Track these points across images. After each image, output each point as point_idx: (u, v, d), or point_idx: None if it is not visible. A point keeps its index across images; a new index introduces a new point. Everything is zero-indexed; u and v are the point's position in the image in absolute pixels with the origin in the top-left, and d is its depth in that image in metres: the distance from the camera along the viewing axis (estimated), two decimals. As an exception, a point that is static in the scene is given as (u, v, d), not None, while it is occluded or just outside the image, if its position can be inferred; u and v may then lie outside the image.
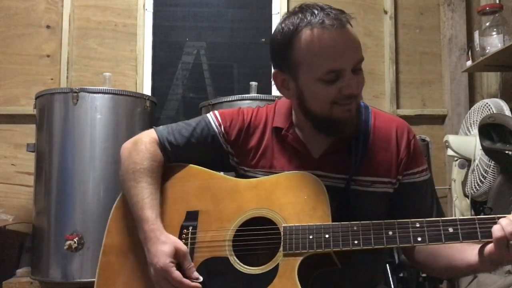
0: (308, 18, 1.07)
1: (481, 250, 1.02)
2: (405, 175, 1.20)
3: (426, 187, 1.24)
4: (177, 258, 1.09)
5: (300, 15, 1.09)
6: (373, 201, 1.18)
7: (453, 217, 1.04)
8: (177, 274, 1.07)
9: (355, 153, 1.17)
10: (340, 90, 1.08)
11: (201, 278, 1.09)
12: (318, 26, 1.05)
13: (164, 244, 1.09)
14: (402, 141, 1.21)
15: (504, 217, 0.97)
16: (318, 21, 1.06)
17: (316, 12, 1.07)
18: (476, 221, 0.99)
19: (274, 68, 1.19)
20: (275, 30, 1.15)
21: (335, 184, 1.17)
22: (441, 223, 1.00)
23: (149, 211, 1.14)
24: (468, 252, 1.06)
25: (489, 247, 0.98)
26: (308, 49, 1.07)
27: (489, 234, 0.96)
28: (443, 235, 0.99)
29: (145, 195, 1.16)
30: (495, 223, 0.97)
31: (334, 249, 1.03)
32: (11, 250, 2.55)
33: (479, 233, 0.98)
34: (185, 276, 1.09)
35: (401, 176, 1.20)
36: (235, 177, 1.27)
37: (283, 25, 1.11)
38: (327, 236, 1.04)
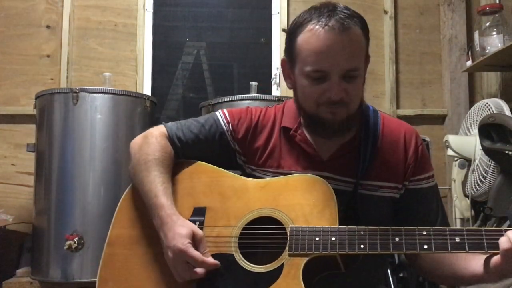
0: (316, 15, 1.09)
1: (487, 261, 1.01)
2: (412, 181, 1.21)
3: (432, 193, 1.23)
4: (194, 241, 1.09)
5: (312, 11, 1.11)
6: (379, 205, 1.18)
7: (460, 227, 1.04)
8: (196, 253, 1.06)
9: (363, 157, 1.17)
10: (324, 92, 1.10)
11: (218, 263, 1.09)
12: (320, 24, 1.07)
13: (182, 227, 1.09)
14: (410, 146, 1.21)
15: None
16: (322, 19, 1.07)
17: (325, 10, 1.08)
18: (483, 232, 0.98)
19: (284, 56, 1.22)
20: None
21: (342, 188, 1.17)
22: (448, 232, 1.00)
23: (163, 198, 1.14)
24: (473, 262, 1.06)
25: (496, 258, 0.98)
26: (304, 43, 1.09)
27: (495, 245, 0.96)
28: (449, 244, 0.99)
29: (158, 183, 1.17)
30: (502, 234, 0.96)
31: (339, 252, 1.03)
32: (11, 250, 2.55)
33: (485, 244, 0.97)
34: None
35: (407, 182, 1.20)
36: (243, 176, 1.27)
37: (298, 16, 1.14)
38: (333, 239, 1.04)
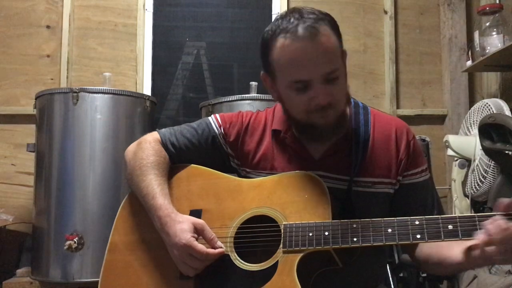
0: (284, 25, 1.08)
1: (468, 248, 1.01)
2: (405, 176, 1.21)
3: (427, 187, 1.24)
4: (197, 232, 1.11)
5: (279, 21, 1.10)
6: (374, 202, 1.19)
7: (453, 215, 1.03)
8: (201, 246, 1.08)
9: (355, 155, 1.18)
10: (310, 99, 1.10)
11: (224, 247, 1.11)
12: (289, 36, 1.06)
13: (181, 223, 1.11)
14: (402, 142, 1.22)
15: (505, 214, 0.95)
16: (291, 29, 1.06)
17: (292, 19, 1.08)
18: (476, 218, 0.98)
19: (262, 71, 1.21)
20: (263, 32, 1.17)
21: (337, 186, 1.18)
22: (440, 221, 1.00)
23: (161, 198, 1.16)
24: (455, 248, 1.06)
25: (475, 246, 0.98)
26: (278, 57, 1.09)
27: None
28: (442, 233, 0.99)
29: (155, 185, 1.18)
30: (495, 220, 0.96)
31: (333, 247, 1.04)
32: (11, 250, 2.55)
33: (479, 230, 0.97)
34: (208, 247, 1.10)
35: (401, 177, 1.21)
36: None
37: (266, 29, 1.13)
38: (326, 233, 1.04)
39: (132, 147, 1.30)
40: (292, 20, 1.08)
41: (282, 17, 1.11)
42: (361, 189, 1.18)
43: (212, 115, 1.33)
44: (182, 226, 1.10)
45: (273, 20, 1.14)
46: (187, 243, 1.07)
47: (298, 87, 1.10)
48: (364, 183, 1.18)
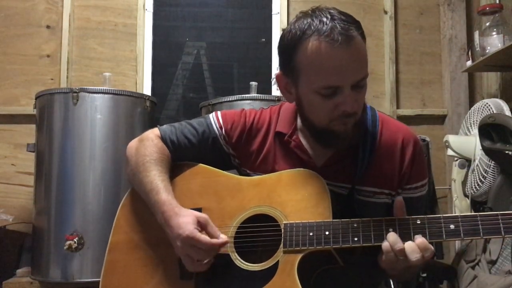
0: (316, 26, 1.03)
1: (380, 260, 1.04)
2: (404, 189, 1.20)
3: (420, 204, 1.23)
4: (200, 226, 1.10)
5: (309, 20, 1.05)
6: (373, 211, 1.17)
7: (455, 214, 1.03)
8: (204, 237, 1.07)
9: (361, 163, 1.16)
10: (337, 106, 1.07)
11: (228, 239, 1.10)
12: (323, 39, 1.01)
13: (185, 216, 1.10)
14: (407, 154, 1.18)
15: (507, 214, 0.96)
16: (325, 32, 1.01)
17: (325, 20, 1.03)
18: (478, 218, 0.97)
19: (279, 70, 1.17)
20: (284, 30, 1.12)
21: (338, 191, 1.16)
22: (442, 220, 0.99)
23: (165, 194, 1.15)
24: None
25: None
26: (309, 60, 1.04)
27: (491, 231, 0.96)
28: (444, 232, 0.98)
29: (158, 181, 1.18)
30: (498, 220, 0.95)
31: (333, 246, 1.03)
32: (11, 250, 2.55)
33: (481, 230, 0.96)
34: None
35: (400, 190, 1.20)
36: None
37: (292, 27, 1.08)
38: (327, 233, 1.04)
39: (134, 143, 1.29)
40: (325, 20, 1.03)
41: (307, 16, 1.07)
42: (362, 198, 1.17)
43: (214, 113, 1.30)
44: (185, 219, 1.09)
45: (296, 18, 1.09)
46: (190, 234, 1.06)
47: (326, 93, 1.05)
48: (365, 193, 1.17)
